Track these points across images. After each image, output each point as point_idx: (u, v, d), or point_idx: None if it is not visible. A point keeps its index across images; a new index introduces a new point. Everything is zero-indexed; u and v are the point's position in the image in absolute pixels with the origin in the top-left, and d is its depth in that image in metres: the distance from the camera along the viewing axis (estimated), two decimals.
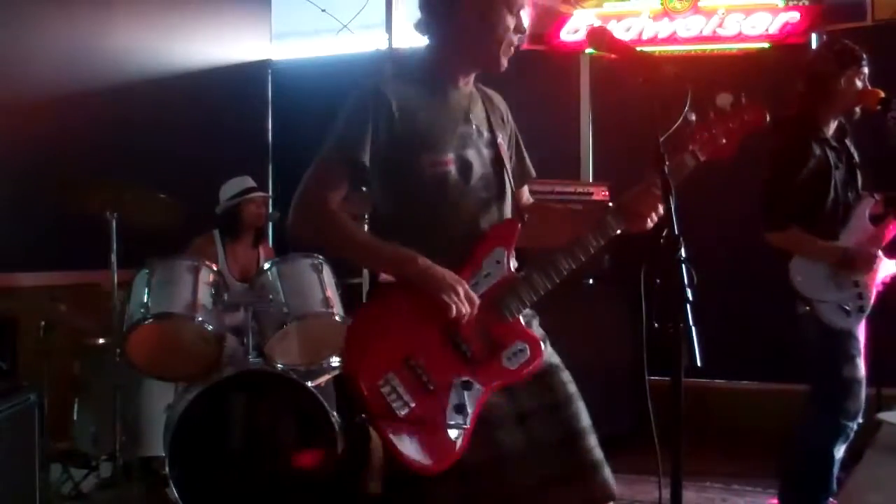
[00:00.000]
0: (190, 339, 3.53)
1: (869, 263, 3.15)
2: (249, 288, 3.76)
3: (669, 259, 1.81)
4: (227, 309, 3.66)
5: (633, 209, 2.01)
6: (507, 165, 2.09)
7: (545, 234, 2.15)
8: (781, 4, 4.78)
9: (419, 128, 1.96)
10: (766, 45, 4.79)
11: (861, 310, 3.16)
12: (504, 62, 2.02)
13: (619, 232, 2.03)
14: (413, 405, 1.85)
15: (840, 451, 3.17)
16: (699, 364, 1.74)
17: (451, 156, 1.98)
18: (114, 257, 3.53)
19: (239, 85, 5.67)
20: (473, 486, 1.89)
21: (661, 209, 1.98)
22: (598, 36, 2.06)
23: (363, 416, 1.86)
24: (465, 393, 1.87)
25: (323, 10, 5.49)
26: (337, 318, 3.53)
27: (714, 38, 4.87)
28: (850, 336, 3.16)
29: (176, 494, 3.23)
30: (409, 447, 1.84)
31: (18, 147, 4.31)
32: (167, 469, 3.27)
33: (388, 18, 5.74)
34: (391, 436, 1.85)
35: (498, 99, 2.18)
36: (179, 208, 3.62)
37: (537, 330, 2.06)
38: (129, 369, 3.49)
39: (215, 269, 3.70)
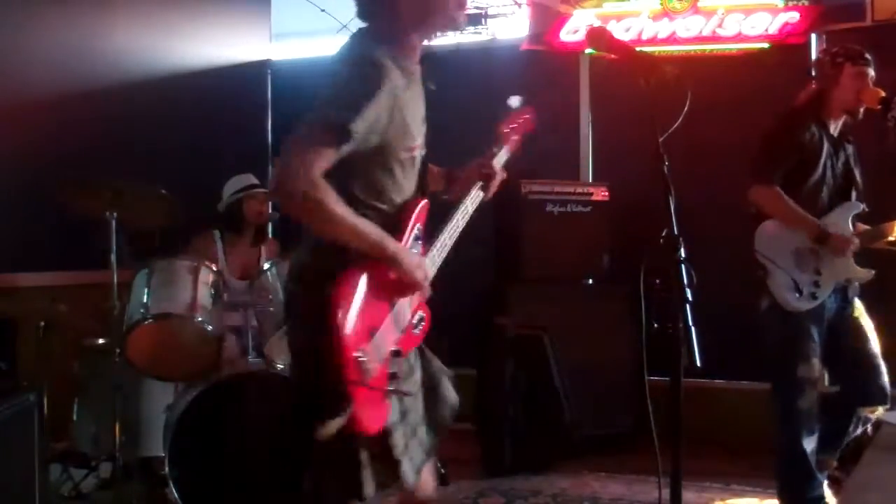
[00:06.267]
0: (189, 339, 3.53)
1: (844, 247, 3.18)
2: (249, 288, 3.76)
3: (669, 259, 1.81)
4: (227, 309, 3.66)
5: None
6: None
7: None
8: (781, 4, 4.78)
9: (405, 119, 1.97)
10: (765, 45, 4.79)
11: (813, 297, 3.19)
12: (460, 18, 2.03)
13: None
14: (375, 375, 1.91)
15: (810, 444, 3.21)
16: (699, 364, 1.74)
17: (419, 141, 2.07)
18: (114, 257, 3.52)
19: (239, 85, 5.67)
20: (385, 444, 1.99)
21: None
22: (598, 36, 2.08)
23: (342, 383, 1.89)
24: (395, 360, 1.98)
25: (322, 10, 5.48)
26: None
27: (714, 39, 4.87)
28: (808, 336, 3.21)
29: (176, 494, 3.24)
30: (362, 412, 1.88)
31: (18, 147, 4.31)
32: (167, 469, 3.28)
33: None
34: (356, 401, 1.87)
35: None
36: (180, 208, 3.62)
37: None
38: (129, 369, 3.50)
39: (215, 269, 3.69)
